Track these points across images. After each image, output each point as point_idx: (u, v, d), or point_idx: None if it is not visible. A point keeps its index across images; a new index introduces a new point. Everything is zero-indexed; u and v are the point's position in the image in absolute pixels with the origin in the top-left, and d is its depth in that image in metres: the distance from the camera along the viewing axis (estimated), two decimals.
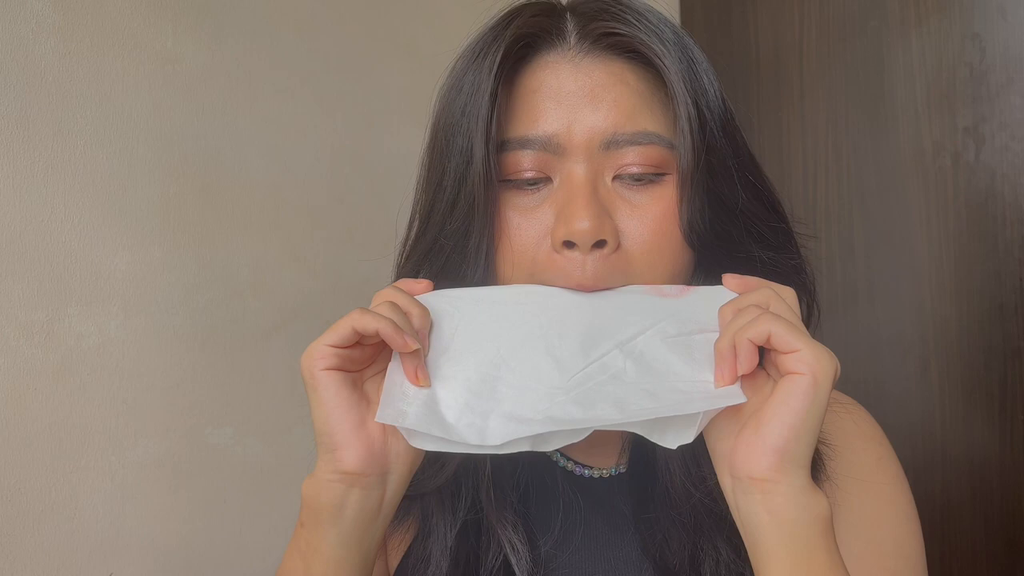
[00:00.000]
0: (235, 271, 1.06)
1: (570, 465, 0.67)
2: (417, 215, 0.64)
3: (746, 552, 0.60)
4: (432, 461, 0.61)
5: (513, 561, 0.61)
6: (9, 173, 0.87)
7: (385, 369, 0.56)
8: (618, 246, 0.56)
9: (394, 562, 0.67)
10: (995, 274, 1.07)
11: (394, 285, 0.57)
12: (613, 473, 0.66)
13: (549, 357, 0.54)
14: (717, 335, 0.54)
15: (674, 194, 0.57)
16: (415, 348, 0.53)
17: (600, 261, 0.55)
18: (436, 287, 0.63)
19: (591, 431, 0.53)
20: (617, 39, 0.58)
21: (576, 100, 0.57)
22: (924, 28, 1.13)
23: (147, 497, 0.97)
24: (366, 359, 0.55)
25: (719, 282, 0.59)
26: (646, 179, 0.58)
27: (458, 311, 0.56)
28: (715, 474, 0.60)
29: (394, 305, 0.54)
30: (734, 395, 0.51)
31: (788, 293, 0.54)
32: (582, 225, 0.54)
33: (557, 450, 0.67)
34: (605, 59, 0.58)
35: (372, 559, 0.56)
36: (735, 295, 0.55)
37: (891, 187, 1.16)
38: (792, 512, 0.49)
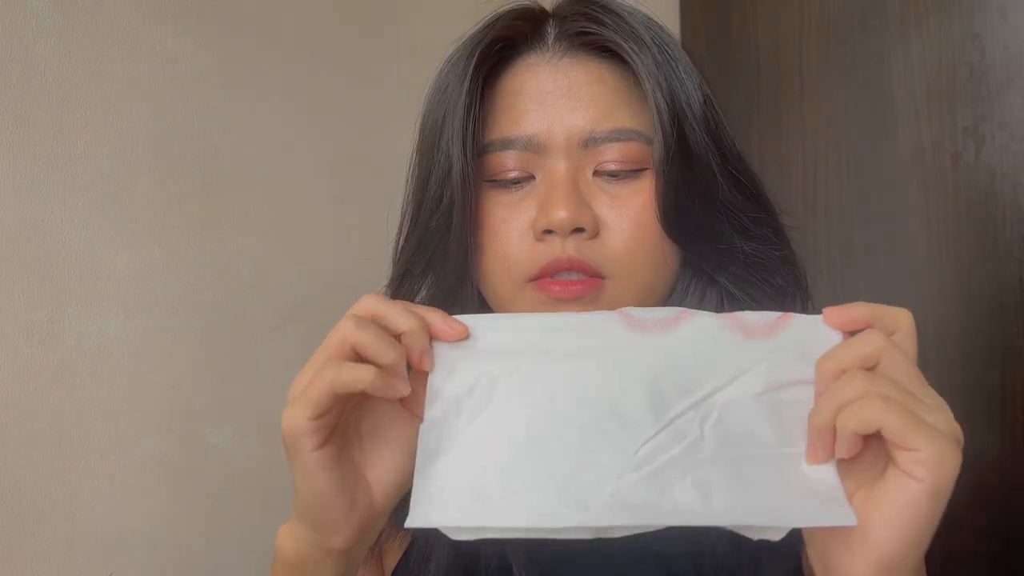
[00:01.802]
0: (235, 271, 1.06)
1: None
2: (408, 214, 0.66)
3: (743, 552, 0.60)
4: None
5: (511, 558, 0.61)
6: (9, 173, 0.87)
7: (370, 400, 0.50)
8: (597, 234, 0.58)
9: (392, 563, 0.67)
10: (995, 274, 1.07)
11: (411, 308, 0.49)
12: None
13: (612, 416, 0.46)
14: (811, 391, 0.45)
15: (653, 187, 0.58)
16: (406, 394, 0.47)
17: (580, 243, 0.57)
18: (424, 286, 0.64)
19: (661, 526, 0.44)
20: (591, 38, 0.60)
21: (555, 100, 0.59)
22: (924, 28, 1.13)
23: (147, 497, 0.97)
24: (345, 400, 0.48)
25: (708, 277, 0.60)
26: (625, 174, 0.59)
27: (495, 353, 0.48)
28: None
29: (377, 332, 0.47)
30: (843, 515, 0.43)
31: (904, 322, 0.45)
32: (560, 214, 0.56)
33: None
34: (583, 59, 0.60)
35: None
36: (836, 334, 0.46)
37: (891, 187, 1.16)
38: None
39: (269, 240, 1.09)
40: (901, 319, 0.45)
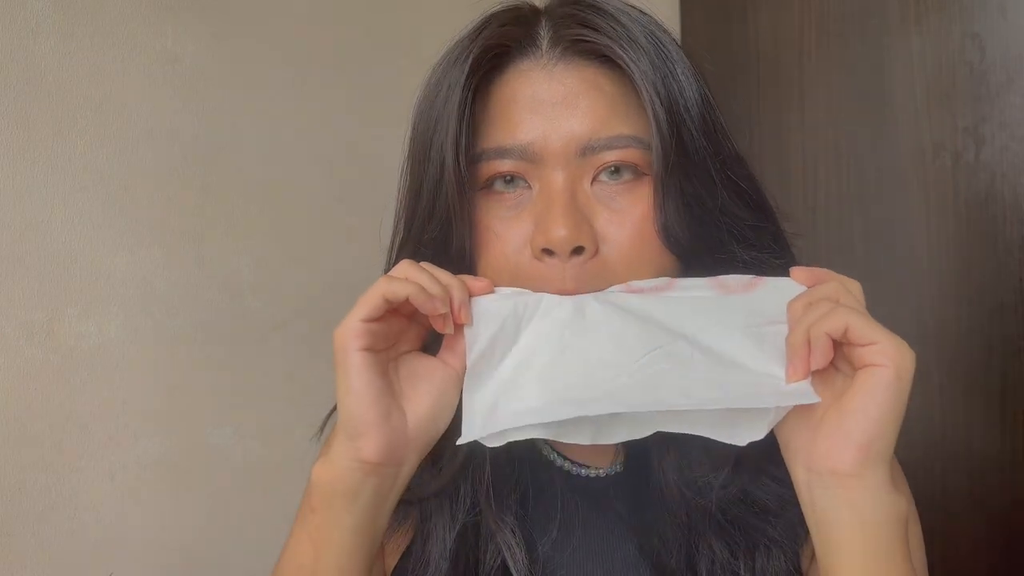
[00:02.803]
0: (235, 271, 1.06)
1: (567, 465, 0.67)
2: (402, 222, 0.65)
3: (739, 551, 0.60)
4: (430, 464, 0.61)
5: (510, 563, 0.61)
6: (9, 173, 0.87)
7: (409, 352, 0.57)
8: (597, 251, 0.56)
9: (391, 562, 0.67)
10: (995, 274, 1.07)
11: (449, 274, 0.57)
12: (611, 472, 0.66)
13: (613, 345, 0.54)
14: (786, 328, 0.53)
15: (652, 196, 0.57)
16: (444, 311, 0.54)
17: (579, 268, 0.56)
18: None
19: (655, 431, 0.53)
20: (587, 45, 0.58)
21: (551, 108, 0.57)
22: (924, 27, 1.13)
23: (147, 497, 0.97)
24: (392, 336, 0.55)
25: None
26: (625, 174, 0.57)
27: (517, 309, 0.56)
28: (707, 474, 0.60)
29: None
30: (806, 394, 0.50)
31: (855, 286, 0.53)
32: (559, 233, 0.54)
33: (555, 450, 0.67)
34: (578, 65, 0.58)
35: (378, 545, 0.57)
36: (803, 288, 0.54)
37: (891, 187, 1.16)
38: (875, 510, 0.49)
39: (269, 240, 1.09)
40: (853, 282, 0.53)
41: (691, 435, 0.53)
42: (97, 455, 0.93)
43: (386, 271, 0.65)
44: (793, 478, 0.53)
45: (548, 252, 0.56)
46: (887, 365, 0.48)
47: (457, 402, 0.56)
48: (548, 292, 0.56)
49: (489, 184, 0.59)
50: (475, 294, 0.56)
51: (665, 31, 0.60)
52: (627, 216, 0.57)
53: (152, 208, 0.98)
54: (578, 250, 0.55)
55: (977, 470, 1.07)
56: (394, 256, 0.65)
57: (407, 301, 0.53)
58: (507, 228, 0.58)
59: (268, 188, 1.09)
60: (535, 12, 0.62)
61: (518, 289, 0.57)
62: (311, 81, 1.14)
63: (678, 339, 0.54)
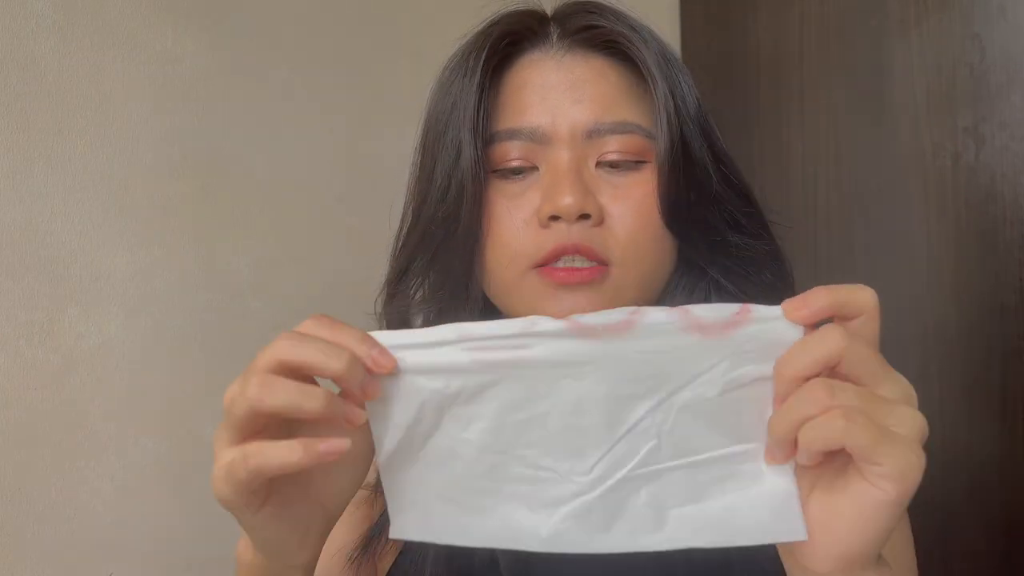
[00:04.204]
0: (235, 271, 1.06)
1: None
2: (410, 209, 0.67)
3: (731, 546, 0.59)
4: None
5: (501, 562, 0.61)
6: (9, 173, 0.87)
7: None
8: (602, 221, 0.59)
9: (388, 562, 0.67)
10: (995, 274, 1.07)
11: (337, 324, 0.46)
12: None
13: (565, 432, 0.45)
14: (771, 386, 0.43)
15: (654, 180, 0.60)
16: (344, 449, 0.42)
17: (586, 230, 0.58)
18: (422, 285, 0.65)
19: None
20: (595, 32, 0.62)
21: (559, 94, 0.61)
22: (924, 28, 1.13)
23: (147, 497, 0.97)
24: (283, 423, 0.44)
25: (699, 269, 0.62)
26: (627, 166, 0.60)
27: (435, 373, 0.45)
28: None
29: (294, 389, 0.42)
30: (795, 531, 0.43)
31: (868, 314, 0.42)
32: (566, 200, 0.57)
33: None
34: (586, 55, 0.62)
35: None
36: (795, 329, 0.43)
37: (891, 187, 1.16)
38: None
39: (269, 240, 1.09)
40: (863, 303, 0.42)
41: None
42: (97, 455, 0.93)
43: (392, 257, 0.67)
44: (783, 560, 0.48)
45: (555, 219, 0.58)
46: (887, 491, 0.40)
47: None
48: (553, 250, 0.57)
49: (499, 172, 0.62)
50: (376, 372, 0.44)
51: (667, 43, 0.64)
52: (630, 194, 0.60)
53: (152, 208, 0.98)
54: (584, 218, 0.58)
55: (977, 470, 1.07)
56: (401, 243, 0.67)
57: (298, 368, 0.43)
58: (514, 203, 0.60)
59: (268, 188, 1.09)
60: (544, 13, 0.66)
61: (435, 339, 0.45)
62: (311, 81, 1.14)
63: (642, 417, 0.45)
